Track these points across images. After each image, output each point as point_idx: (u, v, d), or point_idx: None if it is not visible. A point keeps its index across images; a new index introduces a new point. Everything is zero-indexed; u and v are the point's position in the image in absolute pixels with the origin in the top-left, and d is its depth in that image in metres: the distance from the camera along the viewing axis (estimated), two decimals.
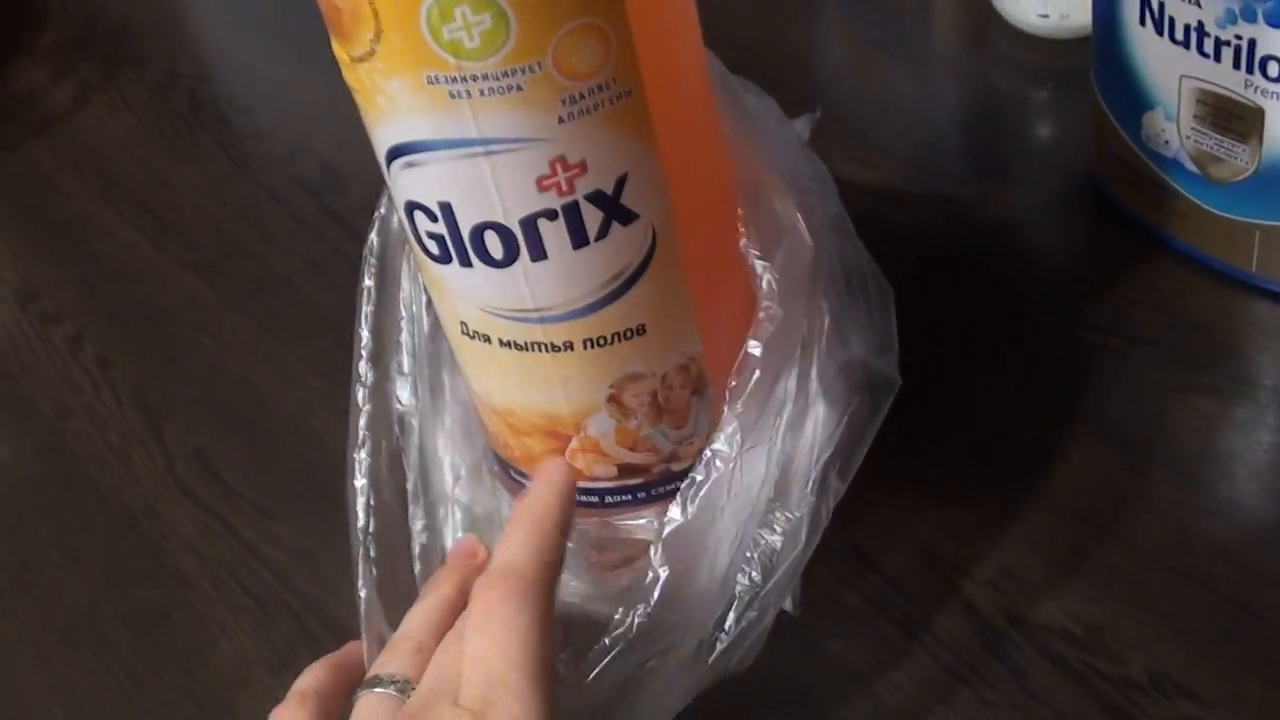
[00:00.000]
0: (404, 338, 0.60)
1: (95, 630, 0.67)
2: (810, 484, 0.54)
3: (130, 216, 0.89)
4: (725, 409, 0.52)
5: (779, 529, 0.54)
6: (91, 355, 0.80)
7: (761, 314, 0.53)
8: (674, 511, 0.52)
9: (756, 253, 0.54)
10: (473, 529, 0.59)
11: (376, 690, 0.50)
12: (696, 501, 0.52)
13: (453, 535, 0.59)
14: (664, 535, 0.52)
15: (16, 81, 1.03)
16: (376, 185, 0.60)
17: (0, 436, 0.78)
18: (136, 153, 0.94)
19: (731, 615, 0.54)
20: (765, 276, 0.53)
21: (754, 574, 0.53)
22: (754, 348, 0.52)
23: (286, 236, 0.84)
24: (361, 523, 0.57)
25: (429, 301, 0.58)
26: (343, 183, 0.86)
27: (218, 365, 0.78)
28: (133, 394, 0.77)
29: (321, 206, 0.85)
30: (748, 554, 0.54)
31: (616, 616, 0.52)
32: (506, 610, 0.48)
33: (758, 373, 0.52)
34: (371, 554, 0.57)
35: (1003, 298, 0.70)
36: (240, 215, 0.86)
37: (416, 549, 0.59)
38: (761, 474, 0.53)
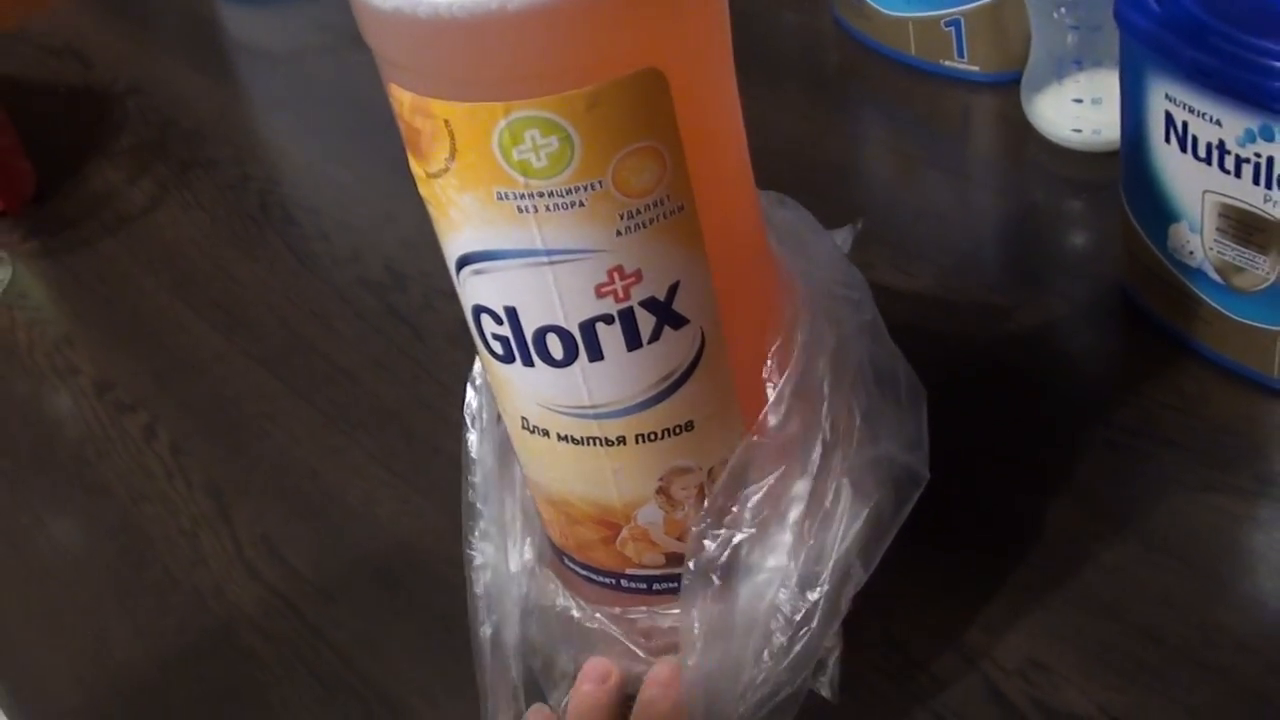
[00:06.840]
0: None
1: (167, 706, 0.69)
2: (830, 570, 0.55)
3: (202, 311, 0.91)
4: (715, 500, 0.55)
5: (800, 610, 0.55)
6: (164, 443, 0.82)
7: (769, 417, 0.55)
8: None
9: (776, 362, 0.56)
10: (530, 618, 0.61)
11: None
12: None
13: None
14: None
15: (95, 181, 1.05)
16: (436, 285, 0.62)
17: (77, 519, 0.80)
18: (208, 251, 0.96)
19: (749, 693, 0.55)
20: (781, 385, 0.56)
21: (767, 654, 0.55)
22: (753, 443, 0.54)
23: (351, 333, 0.86)
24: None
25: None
26: (404, 282, 0.87)
27: (285, 454, 0.79)
28: (203, 480, 0.79)
29: (385, 305, 0.87)
30: (762, 635, 0.55)
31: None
32: None
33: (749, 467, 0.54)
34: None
35: (1034, 399, 0.71)
36: (307, 312, 0.88)
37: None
38: (779, 562, 0.55)
